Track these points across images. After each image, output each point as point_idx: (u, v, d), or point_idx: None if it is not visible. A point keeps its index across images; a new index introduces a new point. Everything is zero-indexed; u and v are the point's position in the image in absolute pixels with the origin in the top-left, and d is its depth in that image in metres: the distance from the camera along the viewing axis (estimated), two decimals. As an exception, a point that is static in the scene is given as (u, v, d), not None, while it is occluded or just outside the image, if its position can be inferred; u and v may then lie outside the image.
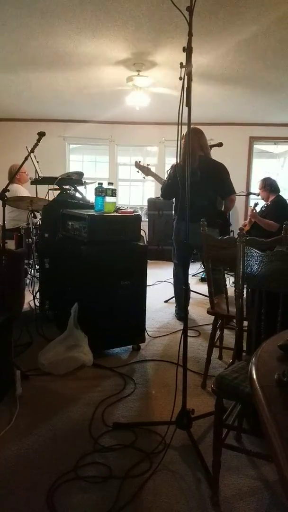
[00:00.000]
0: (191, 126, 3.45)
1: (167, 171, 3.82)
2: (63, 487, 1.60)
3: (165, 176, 3.77)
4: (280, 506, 1.55)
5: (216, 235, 3.15)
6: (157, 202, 7.00)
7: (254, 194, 4.74)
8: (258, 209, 4.56)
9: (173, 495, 1.58)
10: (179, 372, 1.92)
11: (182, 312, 3.68)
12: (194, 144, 3.34)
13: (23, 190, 4.71)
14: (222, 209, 3.61)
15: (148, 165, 3.95)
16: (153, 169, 4.03)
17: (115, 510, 1.50)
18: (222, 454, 1.57)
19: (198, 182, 3.25)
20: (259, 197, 4.76)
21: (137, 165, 3.91)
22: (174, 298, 4.33)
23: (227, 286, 2.51)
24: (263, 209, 4.62)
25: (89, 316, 2.72)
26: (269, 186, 4.52)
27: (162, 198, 3.81)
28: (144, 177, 3.99)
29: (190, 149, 3.31)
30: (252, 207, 4.61)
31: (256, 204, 4.62)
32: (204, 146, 3.43)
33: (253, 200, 4.67)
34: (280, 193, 4.62)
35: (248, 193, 6.87)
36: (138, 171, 3.94)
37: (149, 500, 1.55)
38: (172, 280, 5.11)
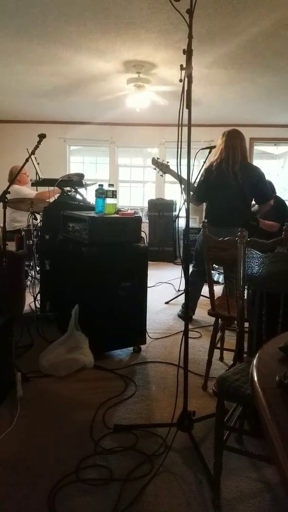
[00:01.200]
0: (233, 128, 3.40)
1: (199, 173, 3.67)
2: (64, 489, 1.60)
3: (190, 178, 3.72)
4: (282, 508, 1.55)
5: (246, 236, 3.12)
6: (158, 203, 7.00)
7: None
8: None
9: (175, 498, 1.57)
10: (180, 373, 1.92)
11: (189, 311, 3.67)
12: (236, 147, 3.26)
13: (23, 190, 4.71)
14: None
15: (167, 162, 3.73)
16: (154, 170, 3.93)
17: (116, 512, 1.49)
18: (223, 456, 1.57)
19: (236, 187, 3.22)
20: None
21: (154, 161, 3.71)
22: (175, 300, 4.35)
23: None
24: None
25: (89, 318, 2.71)
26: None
27: (193, 202, 3.59)
28: (161, 175, 3.76)
29: (233, 151, 3.26)
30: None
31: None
32: (245, 152, 3.36)
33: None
34: (277, 195, 4.60)
35: None
36: (155, 168, 3.73)
37: (150, 503, 1.55)
38: (173, 282, 5.14)
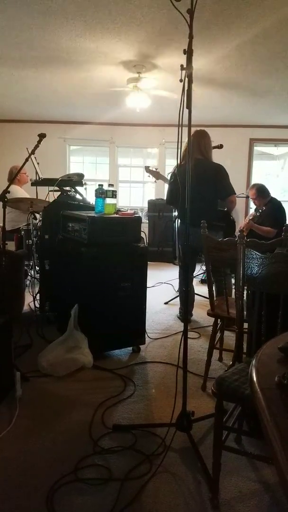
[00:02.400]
0: (197, 128, 3.44)
1: (168, 173, 3.85)
2: (62, 489, 1.60)
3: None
4: (281, 508, 1.55)
5: (221, 238, 3.14)
6: (157, 203, 7.00)
7: (255, 212, 4.71)
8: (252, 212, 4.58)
9: (173, 497, 1.58)
10: (179, 374, 1.92)
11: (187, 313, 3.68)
12: (192, 147, 3.31)
13: (21, 191, 4.72)
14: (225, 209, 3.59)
15: (156, 169, 4.07)
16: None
17: (115, 512, 1.50)
18: (222, 456, 1.57)
19: (194, 186, 3.23)
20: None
21: (147, 170, 4.02)
22: (174, 300, 4.35)
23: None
24: (258, 214, 4.58)
25: (89, 318, 2.71)
26: (261, 193, 4.48)
27: (168, 204, 3.82)
28: (155, 181, 4.18)
29: (190, 152, 3.30)
30: (248, 219, 4.57)
31: (256, 213, 4.60)
32: (204, 149, 3.39)
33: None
34: (272, 196, 4.60)
35: (247, 197, 6.87)
36: (149, 176, 4.05)
37: (149, 502, 1.55)
38: (172, 282, 5.14)
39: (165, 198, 7.73)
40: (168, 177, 3.75)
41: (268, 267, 1.70)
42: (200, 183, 3.23)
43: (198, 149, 3.37)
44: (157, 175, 3.95)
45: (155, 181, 4.19)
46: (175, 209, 6.95)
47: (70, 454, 1.80)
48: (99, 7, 2.92)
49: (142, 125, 7.13)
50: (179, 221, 3.63)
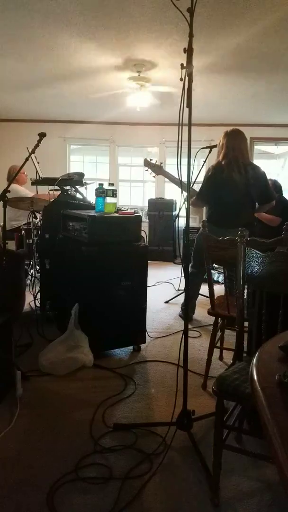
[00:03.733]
0: (235, 128, 3.35)
1: (205, 172, 3.46)
2: (63, 488, 1.60)
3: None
4: (281, 507, 1.55)
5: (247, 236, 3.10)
6: (158, 203, 7.00)
7: None
8: None
9: (174, 496, 1.58)
10: (180, 373, 1.92)
11: (189, 311, 3.68)
12: (238, 146, 3.20)
13: (22, 190, 4.71)
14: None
15: (161, 163, 3.50)
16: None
17: (115, 511, 1.50)
18: (223, 455, 1.57)
19: (240, 188, 3.17)
20: None
21: (146, 163, 3.47)
22: (175, 299, 4.35)
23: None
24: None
25: (89, 317, 2.72)
26: (272, 185, 4.54)
27: (195, 206, 3.48)
28: (154, 176, 3.54)
29: (240, 152, 3.20)
30: None
31: None
32: (246, 150, 3.30)
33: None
34: (283, 195, 4.65)
35: None
36: (147, 169, 3.49)
37: (149, 501, 1.55)
38: (172, 281, 5.14)
39: (166, 197, 7.70)
40: (208, 171, 3.34)
41: (269, 266, 1.70)
42: (246, 183, 3.18)
43: (244, 150, 3.25)
44: (158, 169, 3.45)
45: (154, 177, 3.52)
46: (175, 208, 6.97)
47: (70, 453, 1.80)
48: (99, 6, 2.91)
49: (142, 124, 7.12)
50: (206, 220, 3.36)
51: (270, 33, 3.30)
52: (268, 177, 4.88)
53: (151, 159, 3.50)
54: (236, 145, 3.22)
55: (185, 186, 1.86)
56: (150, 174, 3.51)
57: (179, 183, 1.84)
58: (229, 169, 3.19)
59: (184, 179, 1.80)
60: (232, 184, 3.19)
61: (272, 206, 3.44)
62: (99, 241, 2.68)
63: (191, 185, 2.13)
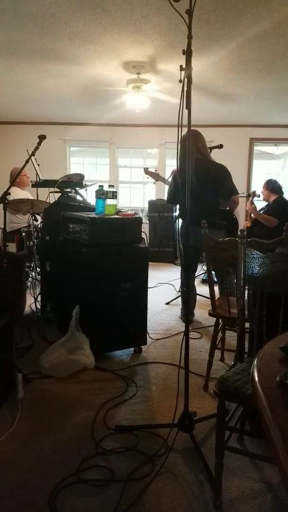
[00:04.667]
0: (191, 129, 3.43)
1: (169, 176, 3.80)
2: (65, 490, 1.60)
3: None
4: (283, 508, 1.55)
5: (223, 236, 3.14)
6: (158, 204, 7.00)
7: (257, 196, 4.75)
8: (256, 203, 4.62)
9: (176, 498, 1.57)
10: (181, 374, 1.92)
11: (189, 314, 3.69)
12: (192, 149, 3.29)
13: (21, 193, 4.72)
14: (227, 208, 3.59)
15: (156, 170, 3.92)
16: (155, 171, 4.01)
17: (117, 513, 1.49)
18: (225, 457, 1.57)
19: (195, 185, 3.23)
20: (260, 198, 4.77)
21: (146, 171, 3.86)
22: (175, 300, 4.35)
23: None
24: (264, 207, 4.65)
25: (90, 318, 2.71)
26: (271, 185, 4.56)
27: (169, 204, 3.86)
28: (154, 183, 4.11)
29: (188, 153, 3.29)
30: (249, 200, 4.64)
31: (254, 193, 4.66)
32: (202, 148, 3.38)
33: (256, 201, 4.71)
34: (283, 196, 4.65)
35: (248, 195, 6.89)
36: (148, 177, 3.90)
37: (151, 503, 1.54)
38: (173, 282, 5.14)
39: (165, 198, 7.75)
40: (169, 178, 3.72)
41: (269, 266, 1.70)
42: (201, 182, 3.24)
43: (196, 149, 3.36)
44: (156, 176, 3.87)
45: (154, 183, 4.11)
46: (175, 209, 6.98)
47: (72, 455, 1.80)
48: (98, 8, 2.92)
49: (142, 125, 7.13)
50: (180, 221, 3.59)
51: (270, 33, 3.30)
52: (268, 177, 4.89)
53: (148, 168, 3.95)
54: (184, 149, 3.28)
55: (189, 183, 1.90)
56: (150, 180, 4.14)
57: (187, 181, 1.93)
58: (183, 170, 3.25)
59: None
60: (190, 183, 3.25)
61: (235, 202, 3.48)
62: (100, 243, 2.68)
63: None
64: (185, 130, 1.73)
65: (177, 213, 6.84)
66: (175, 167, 3.53)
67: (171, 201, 3.62)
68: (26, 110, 6.36)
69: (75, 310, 2.70)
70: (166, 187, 6.50)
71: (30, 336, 3.05)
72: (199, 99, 5.23)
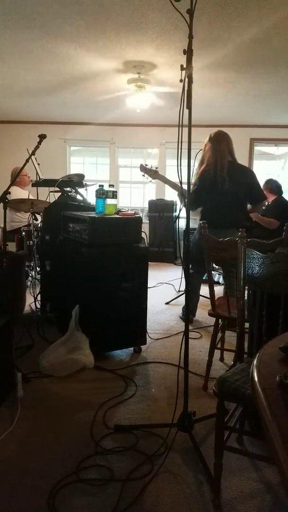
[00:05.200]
0: (218, 129, 3.40)
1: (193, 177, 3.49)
2: (64, 489, 1.60)
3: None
4: (282, 508, 1.55)
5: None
6: (158, 204, 7.01)
7: None
8: None
9: (175, 498, 1.57)
10: (181, 374, 1.92)
11: (189, 313, 3.68)
12: (223, 152, 3.25)
13: (21, 192, 4.72)
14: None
15: (156, 168, 3.55)
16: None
17: (116, 512, 1.49)
18: (224, 457, 1.57)
19: (227, 191, 3.20)
20: None
21: (142, 168, 3.53)
22: (175, 300, 4.35)
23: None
24: (263, 208, 4.65)
25: (90, 318, 2.72)
26: (271, 185, 4.56)
27: (194, 205, 3.43)
28: (150, 181, 3.58)
29: (220, 156, 3.24)
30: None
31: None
32: (232, 151, 3.34)
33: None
34: (282, 196, 4.66)
35: None
36: (143, 175, 3.53)
37: (150, 503, 1.55)
38: (173, 282, 5.14)
39: (166, 198, 7.71)
40: (192, 180, 3.49)
41: (269, 267, 1.70)
42: (233, 187, 3.22)
43: (229, 152, 3.30)
44: (154, 174, 3.50)
45: (151, 181, 3.56)
46: (175, 209, 6.97)
47: (71, 454, 1.80)
48: (99, 8, 2.92)
49: (142, 125, 7.13)
50: (201, 223, 3.40)
51: (270, 33, 3.30)
52: (268, 177, 4.88)
53: (146, 164, 3.55)
54: (218, 150, 3.27)
55: (181, 189, 1.87)
56: (146, 179, 3.54)
57: (174, 186, 1.88)
58: (209, 178, 3.23)
59: (184, 180, 1.81)
60: (216, 189, 3.23)
61: (263, 205, 3.44)
62: (100, 243, 2.68)
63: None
64: (186, 130, 1.73)
65: (177, 213, 6.86)
66: (201, 168, 3.37)
67: (196, 204, 3.38)
68: (27, 110, 6.36)
69: (74, 309, 2.71)
70: (167, 187, 6.40)
71: (29, 335, 3.06)
72: (201, 98, 5.23)
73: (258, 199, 3.39)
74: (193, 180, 3.49)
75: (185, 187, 1.84)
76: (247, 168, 3.36)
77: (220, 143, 3.29)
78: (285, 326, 1.64)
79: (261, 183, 4.72)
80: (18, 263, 3.39)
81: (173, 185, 3.43)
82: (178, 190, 3.21)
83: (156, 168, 3.56)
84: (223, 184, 3.22)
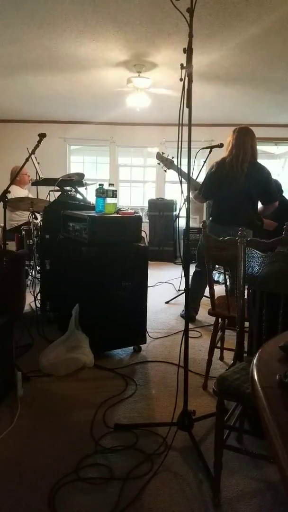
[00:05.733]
0: (244, 126, 3.36)
1: (209, 167, 3.49)
2: (64, 488, 1.60)
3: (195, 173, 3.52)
4: (282, 507, 1.55)
5: (250, 236, 3.04)
6: (158, 203, 7.00)
7: None
8: None
9: (175, 497, 1.58)
10: (180, 373, 1.92)
11: (192, 311, 3.68)
12: (246, 145, 3.20)
13: (21, 191, 4.71)
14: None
15: (173, 157, 3.60)
16: (155, 170, 3.87)
17: (116, 511, 1.50)
18: (224, 455, 1.57)
19: (242, 185, 3.17)
20: None
21: (159, 156, 3.62)
22: (175, 299, 4.35)
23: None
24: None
25: (90, 317, 2.72)
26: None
27: (197, 200, 3.49)
28: (165, 170, 3.68)
29: (243, 149, 3.19)
30: None
31: None
32: (255, 148, 3.28)
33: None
34: (283, 195, 4.64)
35: None
36: (159, 163, 3.65)
37: (150, 502, 1.55)
38: (173, 281, 5.14)
39: (166, 197, 7.70)
40: (212, 168, 3.39)
41: (269, 266, 1.70)
42: (248, 183, 3.19)
43: (251, 148, 3.24)
44: (170, 164, 3.58)
45: (165, 170, 3.69)
46: (175, 208, 6.96)
47: (71, 453, 1.80)
48: (99, 7, 2.91)
49: (142, 124, 7.12)
50: (210, 220, 3.37)
51: (271, 33, 3.30)
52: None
53: (163, 153, 3.61)
54: (241, 143, 3.22)
55: (193, 182, 1.87)
56: (162, 168, 3.63)
57: (186, 178, 1.87)
58: (230, 166, 3.20)
59: (184, 179, 1.81)
60: (232, 181, 3.19)
61: (275, 207, 3.42)
62: (100, 242, 2.68)
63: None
64: (186, 129, 1.72)
65: (177, 212, 6.86)
66: (219, 159, 3.33)
67: (208, 195, 3.41)
68: (27, 109, 6.35)
69: (74, 308, 2.71)
70: (167, 186, 6.48)
71: (29, 334, 3.06)
72: (201, 97, 5.22)
73: (270, 200, 3.34)
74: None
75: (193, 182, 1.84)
76: (265, 167, 3.31)
77: (245, 135, 3.23)
78: (285, 325, 1.64)
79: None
80: (18, 262, 3.39)
81: (184, 174, 3.42)
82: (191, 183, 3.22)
83: (173, 157, 3.58)
84: (239, 177, 3.17)
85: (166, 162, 3.59)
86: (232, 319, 2.39)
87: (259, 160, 3.33)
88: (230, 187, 3.21)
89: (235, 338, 2.05)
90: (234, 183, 3.18)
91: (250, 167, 3.20)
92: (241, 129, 3.30)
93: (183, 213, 1.86)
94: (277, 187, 4.58)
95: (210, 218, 3.45)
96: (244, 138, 3.23)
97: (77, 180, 3.82)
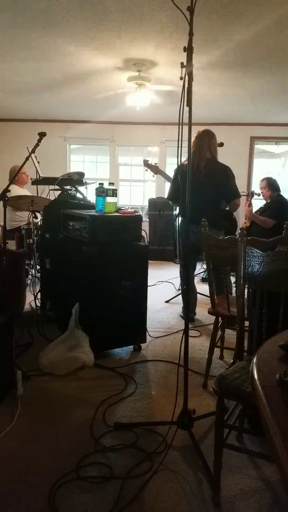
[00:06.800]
0: (204, 128, 3.47)
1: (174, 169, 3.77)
2: (64, 487, 1.60)
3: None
4: (282, 506, 1.55)
5: (221, 236, 3.13)
6: (158, 202, 7.00)
7: (256, 194, 4.77)
8: (254, 202, 4.64)
9: (175, 495, 1.58)
10: (180, 372, 1.92)
11: (189, 311, 3.69)
12: (203, 146, 3.34)
13: (20, 191, 4.71)
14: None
15: (156, 163, 3.94)
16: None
17: (116, 510, 1.50)
18: (223, 454, 1.57)
19: (201, 184, 3.23)
20: (260, 197, 4.77)
21: (146, 163, 3.91)
22: (175, 298, 4.35)
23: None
24: (262, 206, 4.67)
25: (90, 316, 2.72)
26: (271, 185, 4.58)
27: (170, 202, 3.77)
28: (153, 175, 4.02)
29: (199, 150, 3.33)
30: (248, 201, 4.65)
31: (252, 194, 4.68)
32: (213, 149, 3.41)
33: (254, 200, 4.72)
34: (281, 193, 4.66)
35: (248, 194, 6.88)
36: (146, 170, 3.94)
37: (150, 500, 1.55)
38: (173, 281, 5.14)
39: (166, 196, 7.73)
40: (172, 173, 3.72)
41: (269, 265, 1.70)
42: (207, 181, 3.26)
43: (208, 149, 3.37)
44: (155, 169, 3.93)
45: (153, 176, 4.10)
46: (175, 207, 6.97)
47: (71, 452, 1.81)
48: (99, 6, 2.91)
49: (142, 123, 7.12)
50: (180, 219, 3.58)
51: (271, 31, 3.29)
52: (268, 176, 4.88)
53: (148, 160, 3.98)
54: (199, 144, 3.35)
55: (190, 183, 1.91)
56: (150, 173, 4.02)
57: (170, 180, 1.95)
58: (188, 168, 3.25)
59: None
60: (193, 182, 3.24)
61: (238, 205, 3.47)
62: (100, 241, 2.68)
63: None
64: (186, 128, 1.73)
65: (177, 211, 6.87)
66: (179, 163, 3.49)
67: (174, 199, 3.57)
68: (26, 108, 6.34)
69: (74, 307, 2.71)
70: (167, 185, 6.52)
71: (30, 333, 3.06)
72: (201, 96, 5.22)
73: (230, 197, 3.42)
74: None
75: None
76: (223, 165, 3.41)
77: (201, 138, 3.38)
78: (285, 324, 1.64)
79: (260, 181, 4.74)
80: (18, 261, 3.40)
81: (168, 178, 3.74)
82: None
83: (156, 163, 3.95)
84: (198, 177, 3.25)
85: (152, 168, 3.93)
86: (232, 318, 2.40)
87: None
88: (193, 189, 3.26)
89: (235, 337, 2.05)
90: (194, 183, 3.24)
91: (207, 166, 3.29)
92: (200, 132, 3.44)
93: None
94: (274, 186, 4.60)
95: (179, 218, 3.64)
96: (201, 140, 3.37)
97: (77, 179, 3.82)
